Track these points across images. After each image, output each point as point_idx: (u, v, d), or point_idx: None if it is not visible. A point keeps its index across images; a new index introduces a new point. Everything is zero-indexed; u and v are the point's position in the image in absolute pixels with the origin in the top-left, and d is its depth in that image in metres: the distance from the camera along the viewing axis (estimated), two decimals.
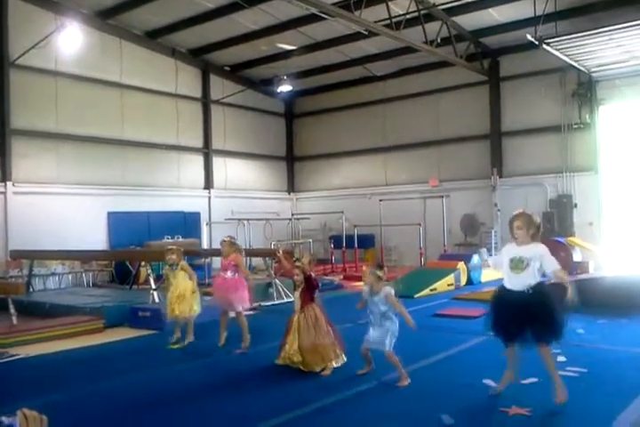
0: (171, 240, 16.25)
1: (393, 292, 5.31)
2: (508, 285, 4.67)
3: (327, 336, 5.84)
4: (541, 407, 4.52)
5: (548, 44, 13.16)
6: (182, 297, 7.34)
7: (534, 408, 4.49)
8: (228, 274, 7.09)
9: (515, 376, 4.89)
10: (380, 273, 5.40)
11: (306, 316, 5.85)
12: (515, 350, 4.78)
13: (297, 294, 6.05)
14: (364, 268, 5.57)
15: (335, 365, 5.82)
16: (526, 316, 4.49)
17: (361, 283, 5.58)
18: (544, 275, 4.71)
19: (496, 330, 4.78)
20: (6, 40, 14.27)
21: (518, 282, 4.58)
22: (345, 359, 5.91)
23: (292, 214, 20.61)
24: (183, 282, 7.46)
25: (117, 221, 16.19)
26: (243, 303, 7.07)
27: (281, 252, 7.25)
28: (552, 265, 4.56)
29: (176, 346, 7.28)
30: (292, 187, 22.56)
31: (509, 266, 4.63)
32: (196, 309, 7.43)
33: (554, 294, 4.62)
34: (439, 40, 14.71)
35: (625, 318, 8.44)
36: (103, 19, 16.01)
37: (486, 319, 4.85)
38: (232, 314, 7.24)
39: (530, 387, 5.03)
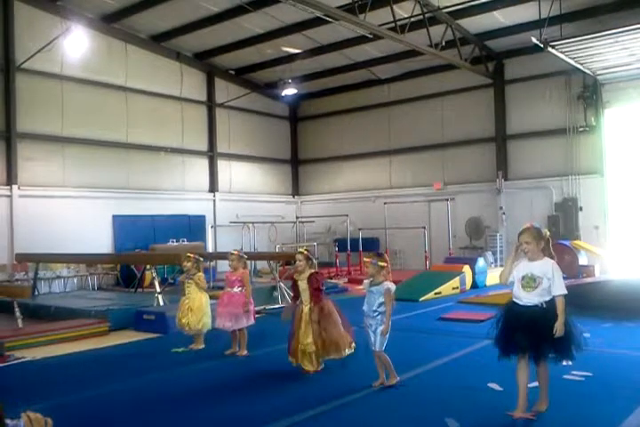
0: (176, 244, 16.28)
1: (394, 289, 5.25)
2: (519, 301, 4.44)
3: (341, 326, 5.81)
4: (546, 411, 4.48)
5: (553, 46, 13.14)
6: (191, 310, 7.26)
7: (539, 412, 4.46)
8: (235, 290, 7.07)
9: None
10: (381, 263, 5.30)
11: (317, 307, 5.79)
12: (526, 369, 4.45)
13: (303, 283, 5.90)
14: (366, 259, 5.46)
15: (348, 352, 5.79)
16: (542, 331, 4.29)
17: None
18: None
19: (502, 345, 4.49)
20: (12, 44, 14.35)
21: (530, 300, 4.37)
22: (354, 346, 5.85)
23: (297, 218, 20.60)
24: (195, 294, 7.37)
25: (122, 225, 16.23)
26: (248, 318, 7.02)
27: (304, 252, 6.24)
28: (558, 289, 4.34)
29: (180, 350, 7.28)
30: (296, 190, 22.57)
31: (521, 283, 4.42)
32: (207, 322, 7.33)
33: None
34: (444, 43, 14.68)
35: (631, 321, 8.41)
36: (108, 23, 16.08)
37: (493, 333, 4.56)
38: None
39: (534, 391, 4.99)
